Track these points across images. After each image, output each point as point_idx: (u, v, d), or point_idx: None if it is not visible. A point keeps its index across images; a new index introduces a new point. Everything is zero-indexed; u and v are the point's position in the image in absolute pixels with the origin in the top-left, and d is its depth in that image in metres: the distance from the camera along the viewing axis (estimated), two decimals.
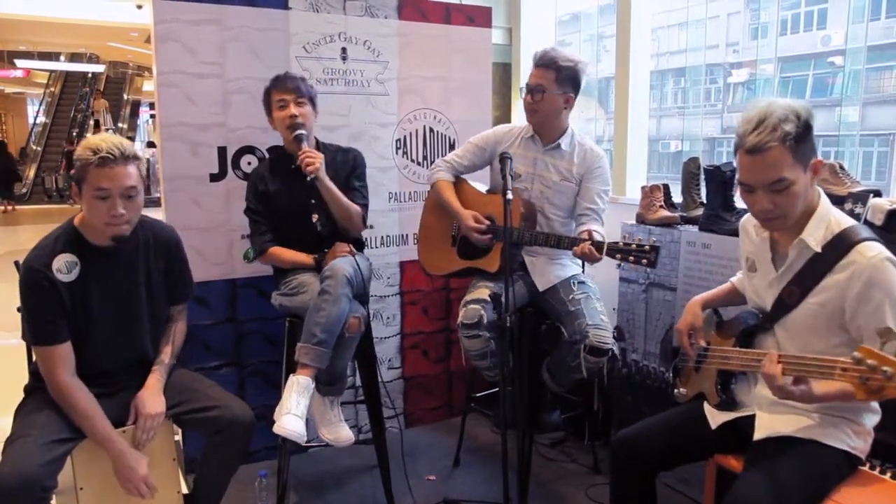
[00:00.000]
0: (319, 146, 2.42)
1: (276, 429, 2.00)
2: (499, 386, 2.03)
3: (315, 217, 2.36)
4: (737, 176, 1.55)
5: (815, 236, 1.52)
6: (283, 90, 2.33)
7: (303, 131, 2.30)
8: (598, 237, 2.08)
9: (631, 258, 1.98)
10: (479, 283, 2.43)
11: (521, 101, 2.52)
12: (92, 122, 16.08)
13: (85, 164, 1.71)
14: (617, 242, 2.02)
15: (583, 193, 2.41)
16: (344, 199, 2.32)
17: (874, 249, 1.45)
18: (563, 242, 2.19)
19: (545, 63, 2.32)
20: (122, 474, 1.78)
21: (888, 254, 1.45)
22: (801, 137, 1.44)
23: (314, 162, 2.23)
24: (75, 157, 1.76)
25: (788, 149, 1.43)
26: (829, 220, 1.53)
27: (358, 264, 2.21)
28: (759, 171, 1.47)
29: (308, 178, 2.23)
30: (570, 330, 2.28)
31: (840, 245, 1.49)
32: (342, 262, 2.17)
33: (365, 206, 2.44)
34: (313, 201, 2.35)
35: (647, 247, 1.97)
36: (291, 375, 2.10)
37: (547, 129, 2.42)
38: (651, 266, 1.97)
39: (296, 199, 2.36)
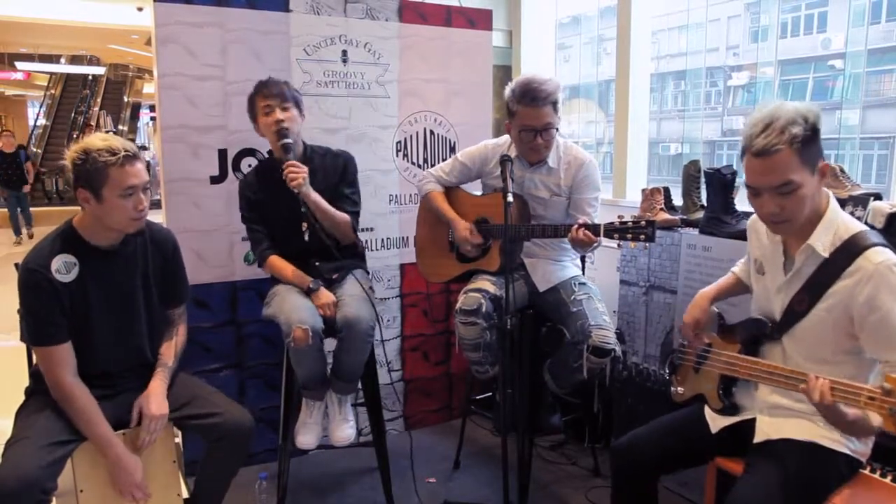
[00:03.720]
0: (307, 151, 2.38)
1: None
2: (499, 388, 2.03)
3: (304, 226, 2.35)
4: (743, 179, 1.53)
5: (822, 242, 1.50)
6: (268, 95, 2.29)
7: (289, 140, 2.26)
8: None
9: (629, 235, 1.99)
10: (481, 276, 2.43)
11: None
12: None
13: (104, 165, 1.71)
14: (613, 223, 2.03)
15: (573, 205, 2.39)
16: (330, 209, 2.29)
17: (882, 255, 1.43)
18: (560, 231, 2.19)
19: (550, 101, 2.24)
20: (118, 479, 1.78)
21: None
22: (809, 140, 1.42)
23: (297, 177, 2.19)
24: (81, 159, 1.72)
25: (796, 151, 1.41)
26: (837, 225, 1.51)
27: (369, 294, 2.28)
28: (766, 174, 1.45)
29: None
30: (573, 330, 2.28)
31: (848, 251, 1.47)
32: (361, 315, 2.16)
33: (355, 214, 2.41)
34: (303, 210, 2.33)
35: (643, 222, 1.98)
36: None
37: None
38: (649, 240, 1.97)
39: (284, 207, 2.33)
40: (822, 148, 1.49)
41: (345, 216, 2.34)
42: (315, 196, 2.25)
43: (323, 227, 2.27)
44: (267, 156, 2.66)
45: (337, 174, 2.41)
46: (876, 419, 1.32)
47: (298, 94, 2.39)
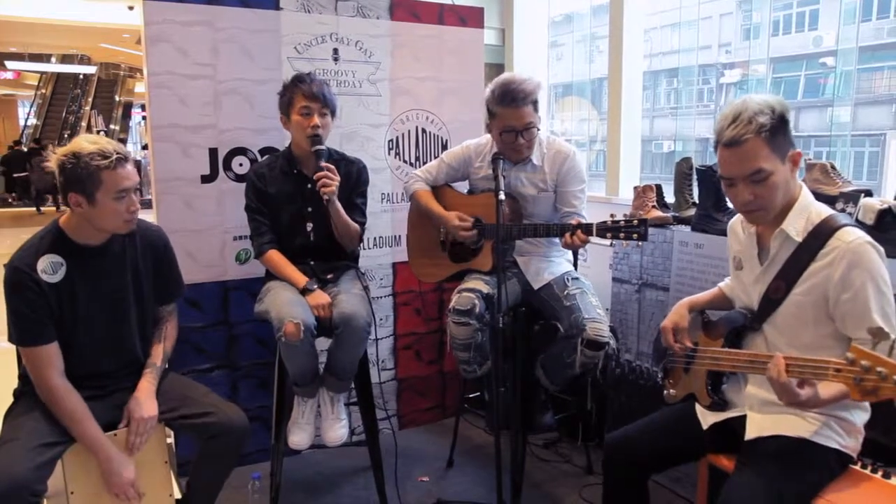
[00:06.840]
0: (331, 157, 2.36)
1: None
2: (487, 386, 2.03)
3: (310, 225, 2.35)
4: (718, 171, 1.58)
5: (795, 226, 1.54)
6: (311, 97, 2.25)
7: (322, 147, 2.26)
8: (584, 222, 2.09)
9: (622, 234, 2.00)
10: (474, 275, 2.43)
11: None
12: None
13: (97, 168, 1.70)
14: (605, 222, 2.03)
15: (560, 198, 2.41)
16: (348, 220, 2.30)
17: (854, 234, 1.47)
18: (552, 230, 2.19)
19: (530, 101, 2.24)
20: (110, 479, 1.77)
21: (868, 238, 1.47)
22: (777, 129, 1.47)
23: (331, 184, 2.20)
24: (71, 163, 1.70)
25: (764, 140, 1.46)
26: (809, 210, 1.55)
27: (365, 293, 2.27)
28: (737, 164, 1.50)
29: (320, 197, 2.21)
30: (567, 324, 2.28)
31: (821, 233, 1.50)
32: (358, 311, 2.15)
33: (363, 224, 2.41)
34: (310, 209, 2.34)
35: (635, 221, 1.99)
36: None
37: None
38: (642, 239, 1.98)
39: (293, 204, 2.34)
40: (793, 138, 1.53)
41: (357, 226, 2.35)
42: (339, 206, 2.25)
43: (337, 230, 2.28)
44: (260, 155, 2.65)
45: (350, 181, 2.41)
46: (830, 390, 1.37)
47: (336, 100, 2.37)
